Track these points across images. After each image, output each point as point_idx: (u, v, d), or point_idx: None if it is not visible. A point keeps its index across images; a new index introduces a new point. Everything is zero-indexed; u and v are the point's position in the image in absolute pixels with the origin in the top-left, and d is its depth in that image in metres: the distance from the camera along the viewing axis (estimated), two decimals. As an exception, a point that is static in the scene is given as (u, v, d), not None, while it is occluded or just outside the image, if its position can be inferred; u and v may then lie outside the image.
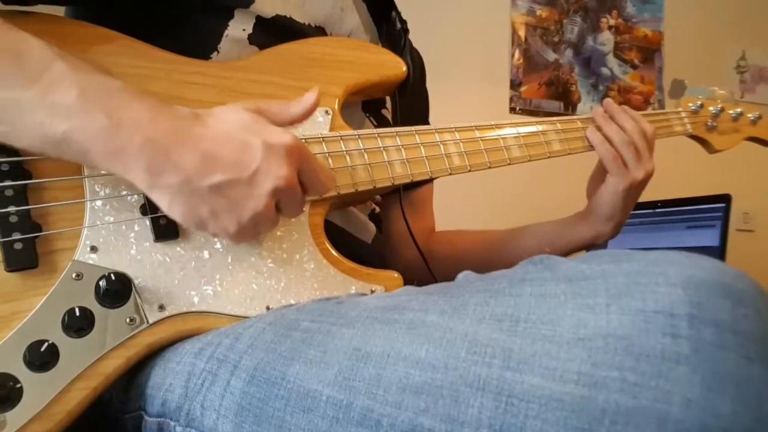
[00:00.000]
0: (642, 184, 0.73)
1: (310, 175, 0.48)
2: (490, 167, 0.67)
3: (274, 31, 0.61)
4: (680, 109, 0.86)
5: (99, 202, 0.48)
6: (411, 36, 0.78)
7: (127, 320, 0.47)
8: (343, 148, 0.57)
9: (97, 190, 0.48)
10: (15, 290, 0.45)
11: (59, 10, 0.57)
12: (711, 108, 0.88)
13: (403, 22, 0.78)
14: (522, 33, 2.07)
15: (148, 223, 0.49)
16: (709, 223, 1.30)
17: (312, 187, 0.49)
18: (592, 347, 0.31)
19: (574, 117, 0.76)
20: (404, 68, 0.65)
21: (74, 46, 0.48)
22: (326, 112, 0.59)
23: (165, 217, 0.49)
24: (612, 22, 2.20)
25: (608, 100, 0.77)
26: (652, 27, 2.25)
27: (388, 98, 0.77)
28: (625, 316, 0.31)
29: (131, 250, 0.48)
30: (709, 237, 1.29)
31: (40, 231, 0.46)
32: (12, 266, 0.44)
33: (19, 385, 0.43)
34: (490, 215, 1.73)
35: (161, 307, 0.48)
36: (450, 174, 0.64)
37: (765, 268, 1.10)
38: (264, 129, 0.46)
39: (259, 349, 0.44)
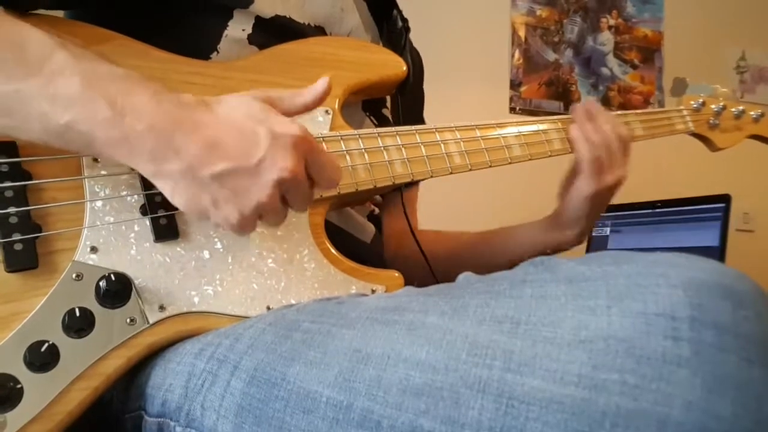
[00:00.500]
0: (611, 190, 0.71)
1: (318, 168, 0.46)
2: (490, 166, 0.67)
3: (273, 31, 0.60)
4: (682, 107, 0.86)
5: (99, 203, 0.48)
6: (411, 36, 0.78)
7: (128, 320, 0.47)
8: (344, 148, 0.57)
9: (97, 190, 0.48)
10: (15, 291, 0.45)
11: (58, 11, 0.57)
12: (713, 106, 0.87)
13: (405, 20, 0.77)
14: (522, 33, 2.07)
15: (148, 223, 0.49)
16: (709, 223, 1.30)
17: (320, 181, 0.47)
18: (593, 349, 0.31)
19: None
20: (404, 68, 0.65)
21: (74, 46, 0.48)
22: (326, 111, 0.58)
23: (165, 217, 0.49)
24: (612, 22, 2.20)
25: (590, 101, 0.76)
26: (652, 27, 2.25)
27: (388, 98, 0.77)
28: (626, 318, 0.31)
29: (131, 251, 0.48)
30: (709, 237, 1.29)
31: (40, 232, 0.46)
32: (12, 267, 0.44)
33: (19, 386, 0.43)
34: (490, 215, 1.73)
35: (161, 308, 0.48)
36: (451, 173, 0.64)
37: (765, 269, 1.10)
38: (271, 118, 0.44)
39: (260, 350, 0.44)
